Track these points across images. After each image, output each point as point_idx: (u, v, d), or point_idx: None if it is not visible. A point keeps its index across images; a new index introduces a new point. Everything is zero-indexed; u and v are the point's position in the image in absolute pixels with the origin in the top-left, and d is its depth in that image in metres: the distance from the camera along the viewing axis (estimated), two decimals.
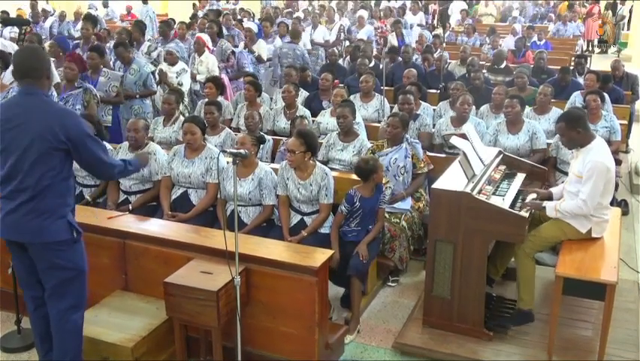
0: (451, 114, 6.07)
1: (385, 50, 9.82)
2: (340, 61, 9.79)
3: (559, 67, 8.14)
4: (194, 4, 15.92)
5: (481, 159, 4.29)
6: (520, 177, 4.51)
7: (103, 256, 3.94)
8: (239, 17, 13.09)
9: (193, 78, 7.95)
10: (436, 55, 9.26)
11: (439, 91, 7.87)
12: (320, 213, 4.29)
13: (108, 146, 4.76)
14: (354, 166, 4.50)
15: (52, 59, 6.85)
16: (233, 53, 8.49)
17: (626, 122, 6.92)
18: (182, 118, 5.63)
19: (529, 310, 3.96)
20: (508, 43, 11.45)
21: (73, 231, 3.13)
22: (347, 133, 5.20)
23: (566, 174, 4.61)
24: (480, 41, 12.35)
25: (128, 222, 4.08)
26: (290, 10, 15.52)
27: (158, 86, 7.40)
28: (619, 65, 8.30)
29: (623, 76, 8.23)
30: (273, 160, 5.47)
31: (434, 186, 3.93)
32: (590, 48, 17.81)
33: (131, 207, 4.64)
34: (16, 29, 9.31)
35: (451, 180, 4.00)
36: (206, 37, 8.33)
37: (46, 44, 8.71)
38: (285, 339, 3.56)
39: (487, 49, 11.04)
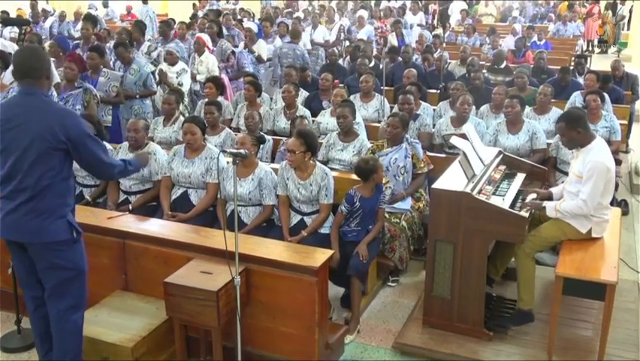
0: (451, 114, 6.07)
1: (385, 50, 9.82)
2: (340, 61, 9.79)
3: (559, 67, 8.14)
4: (194, 4, 15.92)
5: (481, 159, 4.29)
6: (520, 177, 4.51)
7: (103, 256, 3.94)
8: (239, 17, 13.09)
9: (193, 78, 7.95)
10: (436, 55, 9.26)
11: (439, 91, 7.87)
12: (320, 214, 4.29)
13: (108, 146, 4.76)
14: (354, 166, 4.50)
15: (52, 59, 6.89)
16: (233, 53, 8.49)
17: (626, 122, 6.92)
18: (182, 118, 5.63)
19: (529, 310, 3.96)
20: (508, 43, 11.45)
21: (73, 231, 3.13)
22: (347, 133, 5.20)
23: (566, 174, 4.61)
24: (480, 41, 12.35)
25: (128, 222, 4.08)
26: (290, 10, 15.52)
27: (158, 86, 7.40)
28: (619, 65, 8.30)
29: (623, 76, 8.23)
30: (273, 160, 5.47)
31: (434, 186, 3.93)
32: (590, 48, 17.81)
33: (131, 207, 4.64)
34: (16, 29, 9.31)
35: (451, 180, 4.00)
36: (206, 37, 8.33)
37: (46, 44, 8.70)
38: (285, 339, 3.56)
39: (487, 49, 11.04)
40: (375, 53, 10.08)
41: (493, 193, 4.08)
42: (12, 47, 8.06)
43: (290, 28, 9.83)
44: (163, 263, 3.73)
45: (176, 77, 7.57)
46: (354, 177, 4.37)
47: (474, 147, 4.31)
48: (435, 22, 18.14)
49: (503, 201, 3.93)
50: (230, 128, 6.03)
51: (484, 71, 8.26)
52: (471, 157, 4.20)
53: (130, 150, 4.80)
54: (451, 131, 5.69)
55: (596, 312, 4.05)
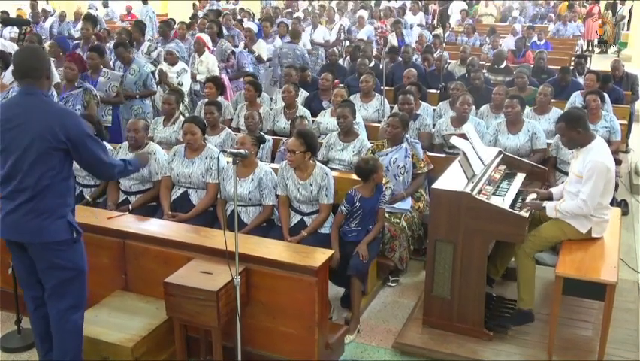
0: (451, 114, 6.07)
1: (385, 50, 9.82)
2: (340, 61, 9.79)
3: (559, 67, 8.14)
4: (194, 4, 15.92)
5: (481, 159, 4.29)
6: (520, 177, 4.51)
7: (103, 256, 3.94)
8: (239, 17, 13.09)
9: (193, 78, 7.95)
10: (436, 55, 9.26)
11: (439, 91, 7.87)
12: (320, 214, 4.29)
13: (108, 146, 4.76)
14: (354, 166, 4.50)
15: (52, 59, 6.90)
16: (233, 52, 8.49)
17: (626, 122, 6.92)
18: (182, 118, 5.63)
19: (530, 310, 3.96)
20: (508, 43, 11.45)
21: (73, 231, 3.13)
22: (347, 133, 5.20)
23: (566, 174, 4.61)
24: (480, 41, 12.35)
25: (128, 223, 4.08)
26: (290, 10, 15.52)
27: (158, 87, 7.40)
28: (619, 65, 8.30)
29: (623, 76, 8.23)
30: (273, 160, 5.47)
31: (434, 186, 3.93)
32: (590, 48, 17.81)
33: (131, 207, 4.64)
34: (16, 29, 9.31)
35: (451, 180, 4.00)
36: (206, 37, 8.32)
37: (46, 44, 8.70)
38: (285, 339, 3.56)
39: (487, 49, 11.04)
40: (375, 53, 10.08)
41: (493, 193, 4.08)
42: (12, 47, 8.06)
43: (290, 28, 9.83)
44: (163, 263, 3.73)
45: (176, 77, 7.57)
46: (354, 177, 4.37)
47: (474, 147, 4.31)
48: (435, 22, 18.14)
49: (503, 201, 3.93)
50: (230, 128, 6.03)
51: (484, 71, 8.26)
52: (471, 157, 4.20)
53: (130, 150, 4.80)
54: (451, 131, 5.68)
55: (596, 312, 4.05)
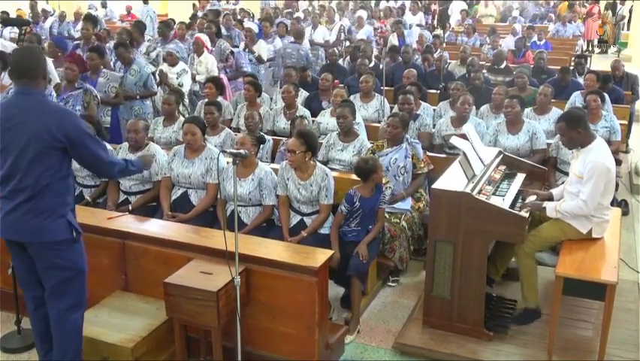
0: (451, 114, 6.07)
1: (386, 50, 9.82)
2: (340, 61, 9.79)
3: (559, 67, 8.14)
4: (194, 5, 15.92)
5: (481, 159, 4.29)
6: (520, 177, 4.51)
7: (103, 256, 3.94)
8: (239, 17, 13.09)
9: (192, 79, 7.95)
10: (436, 55, 9.26)
11: (439, 91, 7.87)
12: (320, 214, 4.29)
13: (108, 146, 4.75)
14: (353, 166, 4.50)
15: (51, 60, 6.90)
16: (232, 53, 8.48)
17: (626, 122, 6.92)
18: (181, 119, 5.63)
19: (536, 308, 3.97)
20: (508, 43, 11.45)
21: (73, 230, 3.13)
22: (347, 133, 5.20)
23: (567, 174, 4.61)
24: (480, 41, 12.35)
25: (128, 223, 4.08)
26: (290, 10, 15.52)
27: (159, 87, 7.40)
28: (619, 65, 8.30)
29: (623, 76, 8.23)
30: (273, 160, 5.47)
31: (434, 186, 3.93)
32: (590, 48, 17.81)
33: (130, 208, 4.64)
34: (16, 29, 9.31)
35: (451, 180, 4.00)
36: (204, 38, 8.32)
37: (45, 44, 8.70)
38: (285, 339, 3.56)
39: (487, 49, 11.04)
40: (375, 53, 10.08)
41: (493, 193, 4.08)
42: (12, 47, 8.03)
43: (289, 28, 9.82)
44: (163, 263, 3.73)
45: (177, 78, 7.57)
46: (354, 177, 4.37)
47: (474, 147, 4.31)
48: (435, 22, 18.14)
49: (503, 202, 3.93)
50: (230, 128, 6.03)
51: (484, 71, 8.26)
52: (471, 157, 4.20)
53: (130, 150, 4.80)
54: (451, 131, 5.68)
55: (596, 312, 4.05)
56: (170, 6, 17.71)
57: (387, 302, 4.56)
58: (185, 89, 7.54)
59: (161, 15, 15.79)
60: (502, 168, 4.55)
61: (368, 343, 4.06)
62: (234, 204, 3.69)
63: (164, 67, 7.70)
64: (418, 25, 13.78)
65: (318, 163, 4.39)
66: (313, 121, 6.20)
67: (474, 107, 6.10)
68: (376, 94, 6.79)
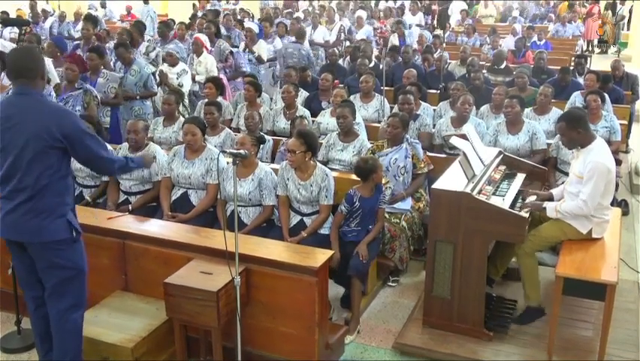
0: (451, 114, 6.07)
1: (386, 50, 9.82)
2: (340, 61, 9.79)
3: (559, 67, 8.14)
4: (194, 5, 15.92)
5: (481, 160, 4.29)
6: (520, 177, 4.51)
7: (103, 256, 3.94)
8: (239, 17, 13.09)
9: (192, 79, 7.94)
10: (436, 55, 9.26)
11: (439, 91, 7.87)
12: (320, 214, 4.29)
13: (108, 146, 4.75)
14: (353, 166, 4.50)
15: (50, 60, 6.89)
16: (231, 53, 8.48)
17: (626, 122, 6.92)
18: (181, 119, 5.63)
19: (539, 306, 3.98)
20: (508, 43, 11.45)
21: (73, 230, 3.13)
22: (347, 133, 5.20)
23: (567, 174, 4.61)
24: (480, 41, 12.36)
25: (128, 223, 4.08)
26: (290, 10, 15.52)
27: (159, 88, 7.40)
28: (619, 65, 8.30)
29: (623, 76, 8.23)
30: (273, 160, 5.47)
31: (434, 186, 3.93)
32: (590, 48, 17.81)
33: (130, 208, 4.64)
34: (16, 30, 9.31)
35: (451, 180, 4.00)
36: (204, 38, 8.31)
37: (45, 45, 8.70)
38: (285, 339, 3.56)
39: (487, 49, 11.05)
40: (375, 53, 10.08)
41: (493, 193, 4.08)
42: (12, 48, 8.05)
43: (288, 28, 9.82)
44: (163, 264, 3.73)
45: (177, 78, 7.57)
46: (354, 177, 4.37)
47: (474, 148, 4.31)
48: (435, 22, 18.14)
49: (503, 202, 3.93)
50: (230, 128, 6.03)
51: (484, 71, 8.26)
52: (471, 157, 4.20)
53: (130, 151, 4.79)
54: (451, 131, 5.68)
55: (596, 312, 4.05)
56: (170, 6, 17.72)
57: (387, 302, 4.56)
58: (185, 90, 7.54)
59: (161, 15, 15.78)
60: (502, 168, 4.55)
61: (368, 343, 4.06)
62: (234, 204, 3.69)
63: (164, 67, 7.69)
64: (417, 26, 13.78)
65: (318, 163, 4.39)
66: (313, 121, 6.20)
67: (474, 107, 6.10)
68: (376, 94, 6.79)
